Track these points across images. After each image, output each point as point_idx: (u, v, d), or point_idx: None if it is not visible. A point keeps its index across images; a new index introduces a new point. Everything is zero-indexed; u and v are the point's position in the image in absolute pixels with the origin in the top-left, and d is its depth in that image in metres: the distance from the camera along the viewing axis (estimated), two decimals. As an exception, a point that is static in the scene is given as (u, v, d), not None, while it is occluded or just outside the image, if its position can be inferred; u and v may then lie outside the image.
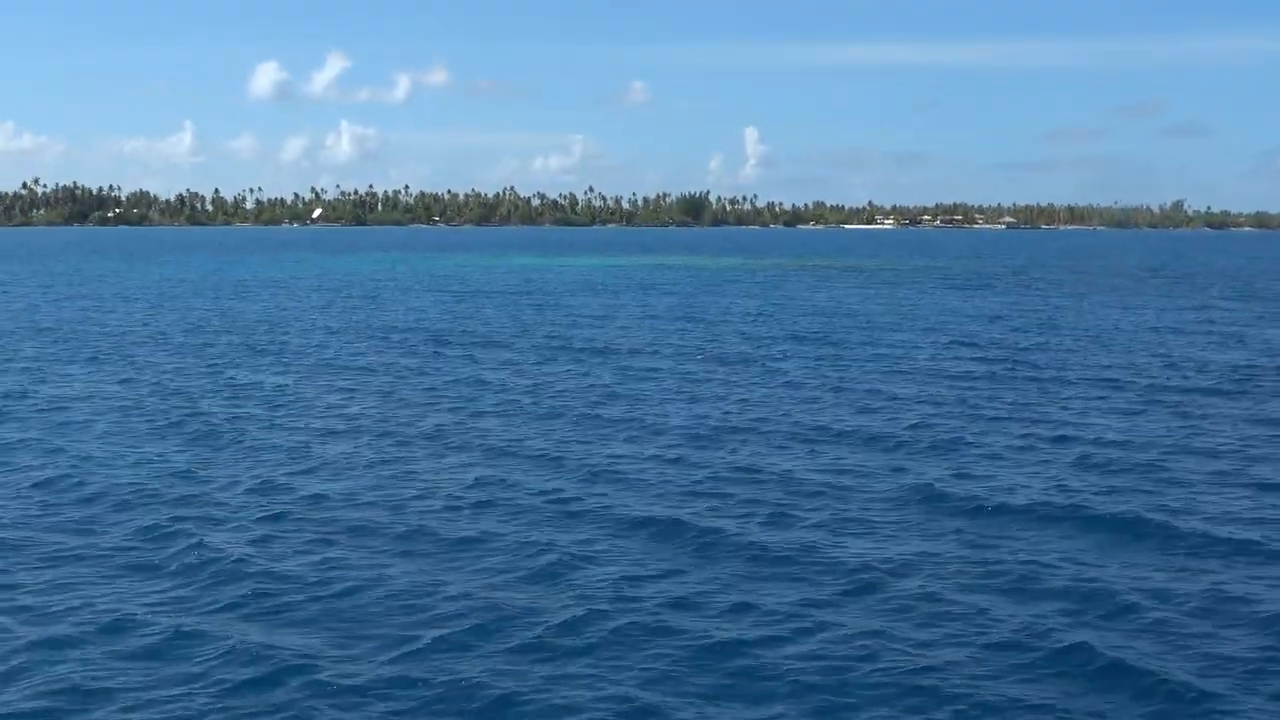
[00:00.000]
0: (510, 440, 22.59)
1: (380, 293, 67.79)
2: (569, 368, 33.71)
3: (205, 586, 13.89)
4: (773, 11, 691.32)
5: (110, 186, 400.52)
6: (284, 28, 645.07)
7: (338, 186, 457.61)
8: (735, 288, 74.33)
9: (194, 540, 15.47)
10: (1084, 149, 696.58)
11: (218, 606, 13.18)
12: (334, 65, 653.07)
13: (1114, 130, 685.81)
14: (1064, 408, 26.70)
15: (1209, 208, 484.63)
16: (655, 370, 33.12)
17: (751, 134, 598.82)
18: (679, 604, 13.25)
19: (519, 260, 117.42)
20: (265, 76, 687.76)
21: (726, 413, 25.86)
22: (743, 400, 27.73)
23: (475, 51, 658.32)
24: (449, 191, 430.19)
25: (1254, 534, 16.09)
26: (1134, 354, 37.18)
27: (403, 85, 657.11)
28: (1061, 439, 22.85)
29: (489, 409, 26.38)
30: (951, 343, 40.51)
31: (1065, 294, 68.63)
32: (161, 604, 13.26)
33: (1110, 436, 23.07)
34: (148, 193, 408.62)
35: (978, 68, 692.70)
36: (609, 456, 21.06)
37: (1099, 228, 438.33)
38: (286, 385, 30.07)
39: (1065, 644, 12.05)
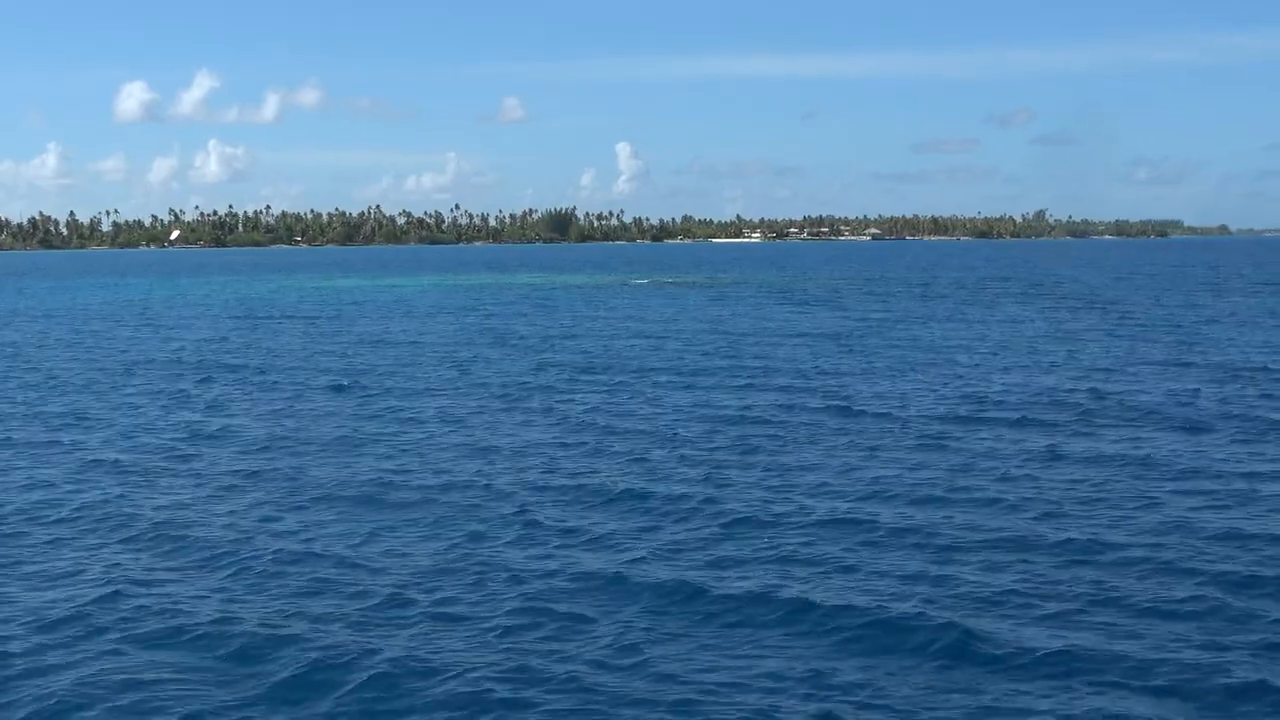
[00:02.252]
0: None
1: (155, 319, 62.28)
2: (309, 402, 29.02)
3: None
4: (648, 26, 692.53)
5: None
6: (152, 48, 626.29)
7: (196, 207, 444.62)
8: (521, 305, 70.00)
9: None
10: (954, 159, 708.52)
11: None
12: (203, 85, 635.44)
13: (983, 140, 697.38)
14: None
15: (1070, 217, 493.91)
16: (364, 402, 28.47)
17: (625, 149, 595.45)
18: None
19: (345, 282, 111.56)
20: (132, 97, 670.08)
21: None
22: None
23: (348, 71, 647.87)
24: (312, 211, 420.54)
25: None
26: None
27: (273, 104, 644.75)
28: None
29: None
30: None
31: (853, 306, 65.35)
32: None
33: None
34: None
35: (851, 80, 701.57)
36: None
37: (962, 238, 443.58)
38: None
39: None
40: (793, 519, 17.21)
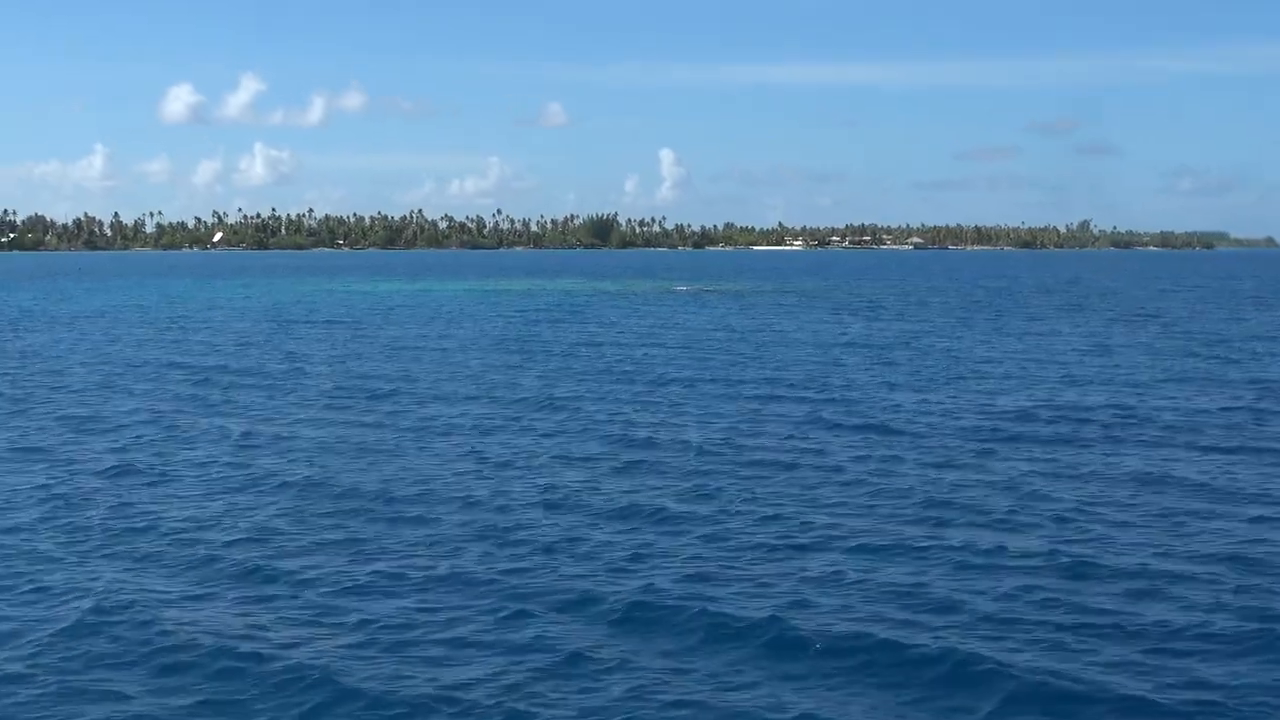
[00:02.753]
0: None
1: (182, 320, 62.15)
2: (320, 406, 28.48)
3: None
4: (691, 33, 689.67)
5: (5, 211, 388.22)
6: (198, 50, 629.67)
7: (239, 210, 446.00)
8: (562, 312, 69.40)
9: None
10: (997, 168, 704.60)
11: None
12: (248, 87, 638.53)
13: (1026, 149, 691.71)
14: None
15: (1114, 227, 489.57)
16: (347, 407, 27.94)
17: (668, 155, 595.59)
18: None
19: (383, 286, 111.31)
20: (178, 99, 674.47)
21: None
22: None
23: (391, 73, 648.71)
24: (354, 214, 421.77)
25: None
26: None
27: (318, 107, 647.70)
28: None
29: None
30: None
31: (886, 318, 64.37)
32: None
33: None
34: (44, 217, 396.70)
35: (894, 88, 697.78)
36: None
37: (1006, 248, 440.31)
38: None
39: None
40: (813, 541, 16.50)
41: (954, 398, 30.77)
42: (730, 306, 74.89)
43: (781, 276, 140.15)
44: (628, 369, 37.86)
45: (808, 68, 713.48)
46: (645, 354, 42.81)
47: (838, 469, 21.45)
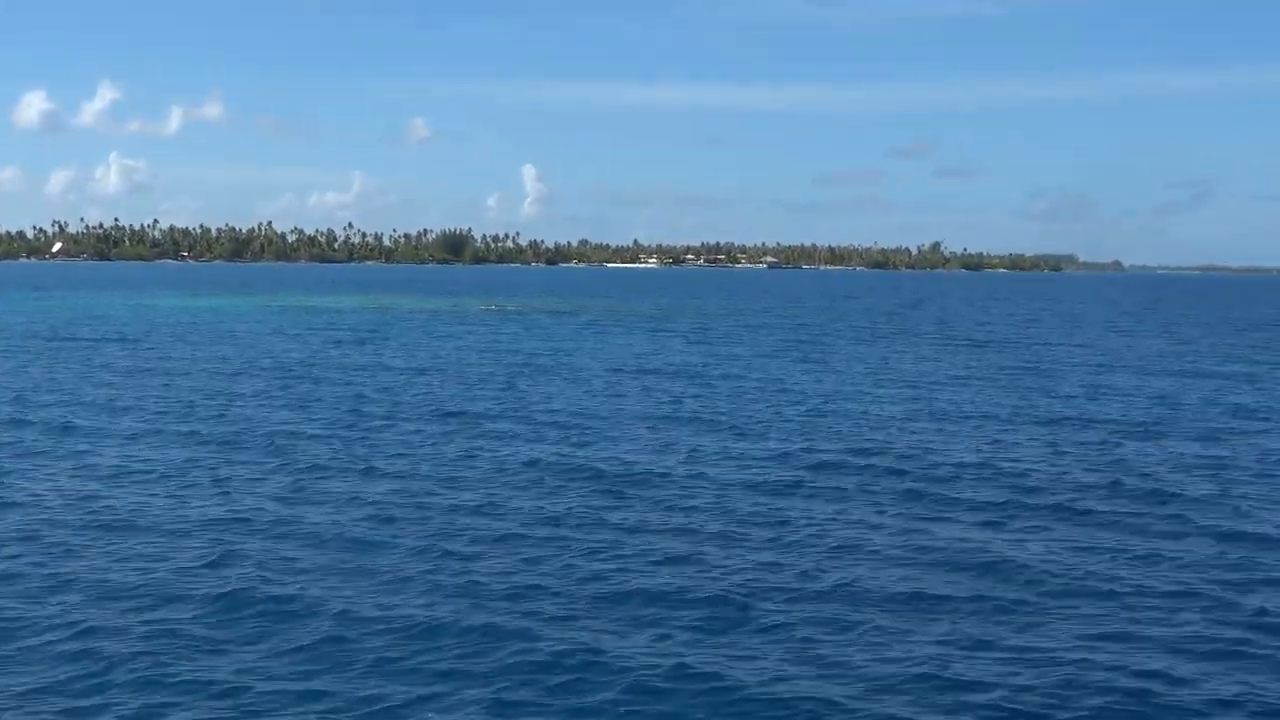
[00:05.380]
0: None
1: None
2: None
3: None
4: (557, 51, 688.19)
5: None
6: (53, 55, 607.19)
7: (82, 220, 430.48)
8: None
9: None
10: (857, 190, 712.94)
11: None
12: (105, 96, 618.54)
13: (887, 172, 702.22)
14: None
15: (965, 249, 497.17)
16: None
17: (530, 172, 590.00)
18: None
19: (174, 302, 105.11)
20: (32, 106, 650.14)
21: None
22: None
23: (254, 86, 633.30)
24: (200, 226, 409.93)
25: None
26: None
27: (176, 117, 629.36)
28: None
29: None
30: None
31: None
32: None
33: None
34: None
35: (759, 110, 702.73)
36: None
37: (858, 268, 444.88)
38: None
39: None
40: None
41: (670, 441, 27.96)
42: (514, 329, 71.71)
43: (618, 295, 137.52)
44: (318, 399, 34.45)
45: (678, 89, 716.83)
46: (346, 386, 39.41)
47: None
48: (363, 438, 27.18)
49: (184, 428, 28.32)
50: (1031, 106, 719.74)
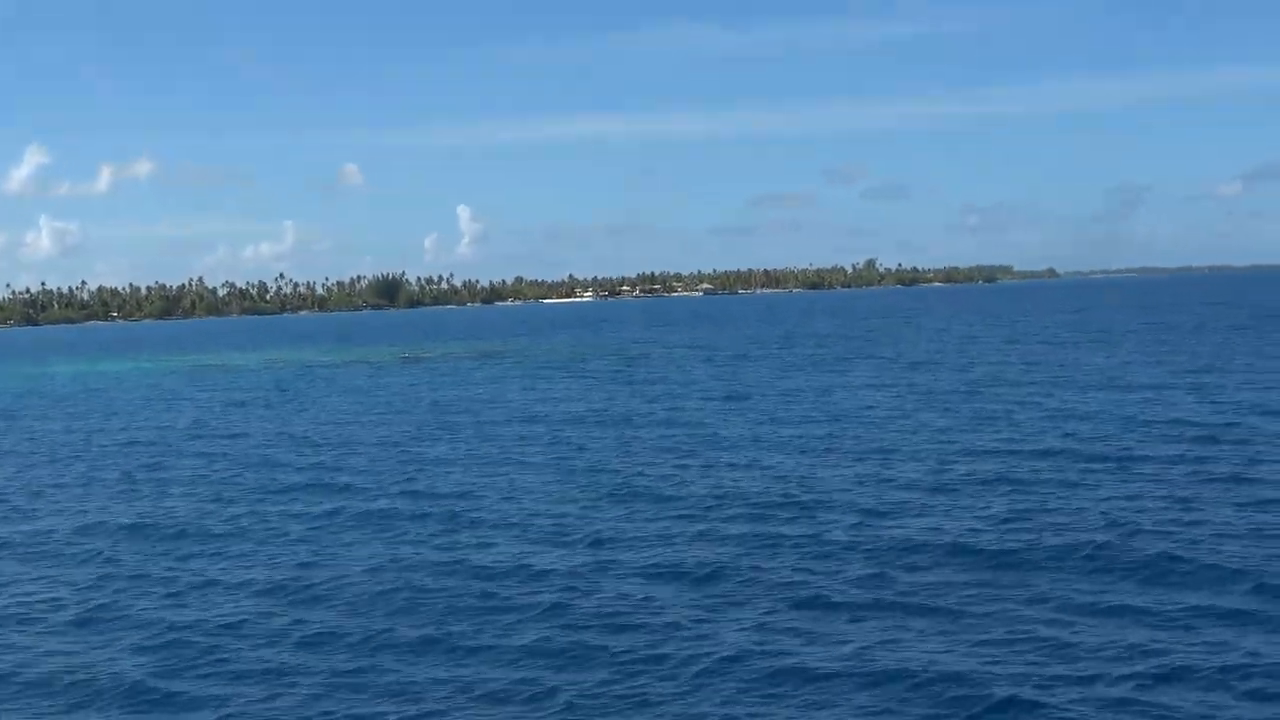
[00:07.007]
0: None
1: None
2: None
3: None
4: (487, 90, 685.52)
5: None
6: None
7: (8, 286, 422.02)
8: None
9: None
10: (790, 214, 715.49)
11: None
12: (32, 160, 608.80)
13: (818, 194, 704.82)
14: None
15: (899, 265, 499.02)
16: None
17: (465, 212, 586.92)
18: None
19: (69, 369, 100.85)
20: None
21: None
22: None
23: (184, 140, 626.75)
24: (130, 285, 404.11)
25: None
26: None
27: (105, 177, 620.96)
28: None
29: None
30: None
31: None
32: None
33: None
34: None
35: (688, 139, 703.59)
36: None
37: (794, 289, 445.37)
38: None
39: None
40: None
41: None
42: (420, 377, 69.16)
43: (539, 333, 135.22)
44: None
45: (608, 121, 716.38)
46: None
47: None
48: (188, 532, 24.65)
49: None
50: (963, 122, 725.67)
